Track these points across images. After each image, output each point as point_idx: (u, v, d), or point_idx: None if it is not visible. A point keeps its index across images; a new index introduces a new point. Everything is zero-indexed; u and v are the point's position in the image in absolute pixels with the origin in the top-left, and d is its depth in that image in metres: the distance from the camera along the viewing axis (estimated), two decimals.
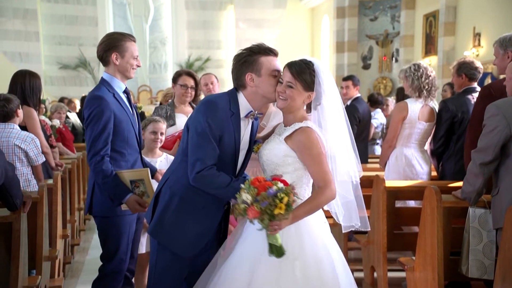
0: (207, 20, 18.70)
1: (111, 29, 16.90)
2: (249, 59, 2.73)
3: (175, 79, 4.64)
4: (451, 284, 3.73)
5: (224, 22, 18.97)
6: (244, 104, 2.77)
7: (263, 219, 2.40)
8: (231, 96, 2.78)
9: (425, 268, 3.40)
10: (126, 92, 3.39)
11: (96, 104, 3.18)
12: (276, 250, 2.49)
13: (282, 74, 2.74)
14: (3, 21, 16.70)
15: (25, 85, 4.62)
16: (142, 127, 4.00)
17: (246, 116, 2.78)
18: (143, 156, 3.71)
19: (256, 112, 2.81)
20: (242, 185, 2.48)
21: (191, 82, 4.55)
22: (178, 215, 2.78)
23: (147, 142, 3.97)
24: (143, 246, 3.85)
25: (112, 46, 3.29)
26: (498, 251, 2.95)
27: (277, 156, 2.70)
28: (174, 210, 2.78)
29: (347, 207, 2.86)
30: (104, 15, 18.05)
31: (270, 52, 2.75)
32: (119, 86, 3.34)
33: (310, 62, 2.72)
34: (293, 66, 2.69)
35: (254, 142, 2.91)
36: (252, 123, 2.87)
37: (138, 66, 3.38)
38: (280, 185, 2.43)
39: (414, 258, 3.68)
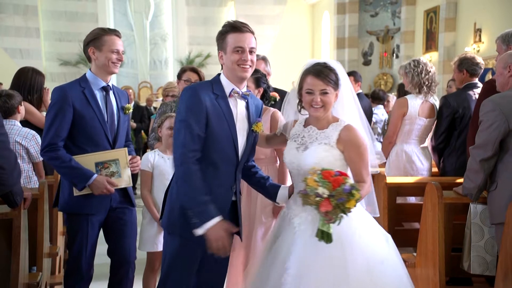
0: (208, 16, 18.67)
1: (111, 25, 16.86)
2: (220, 37, 2.79)
3: (179, 75, 4.71)
4: (452, 280, 3.72)
5: (225, 18, 18.91)
6: (225, 83, 2.79)
7: (336, 212, 2.48)
8: (214, 79, 2.82)
9: (426, 265, 3.40)
10: (105, 89, 3.33)
11: (55, 96, 3.20)
12: (327, 237, 2.56)
13: (306, 83, 2.78)
14: (4, 18, 16.66)
15: (27, 81, 4.61)
16: (158, 124, 4.02)
17: (230, 95, 2.77)
18: (162, 152, 3.82)
19: (241, 90, 2.79)
20: (315, 178, 2.51)
21: (194, 77, 4.61)
22: None
23: (164, 138, 4.00)
24: (160, 244, 3.82)
25: (90, 40, 3.27)
26: (500, 247, 2.94)
27: (330, 162, 2.69)
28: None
29: None
30: (105, 11, 18.01)
31: (235, 28, 2.75)
32: (96, 83, 3.29)
33: (325, 62, 2.81)
34: (320, 74, 2.74)
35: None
36: (247, 103, 2.84)
37: (119, 60, 3.30)
38: (351, 181, 2.53)
39: (415, 254, 3.68)
